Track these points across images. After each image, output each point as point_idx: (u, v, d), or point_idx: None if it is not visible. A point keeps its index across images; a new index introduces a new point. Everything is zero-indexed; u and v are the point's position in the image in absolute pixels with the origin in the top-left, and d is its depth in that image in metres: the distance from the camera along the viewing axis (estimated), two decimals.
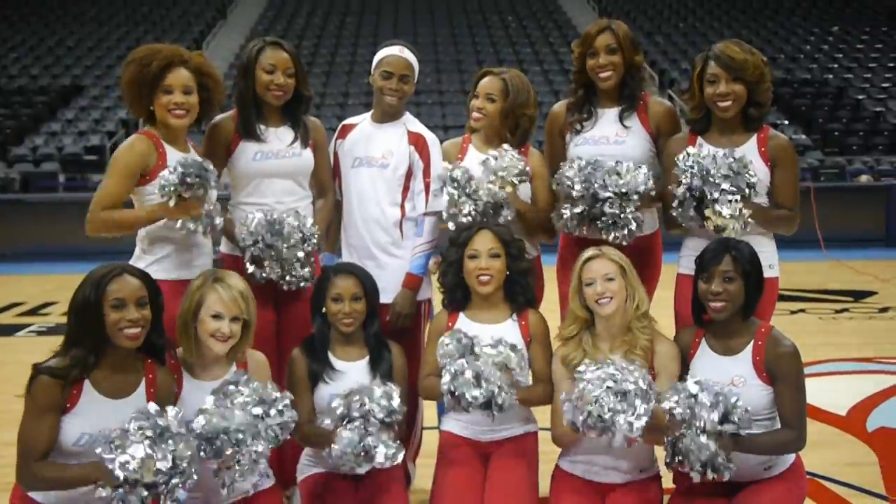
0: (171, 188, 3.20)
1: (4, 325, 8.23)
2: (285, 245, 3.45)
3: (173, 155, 3.36)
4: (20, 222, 12.49)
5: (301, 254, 3.50)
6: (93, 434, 2.73)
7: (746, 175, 3.24)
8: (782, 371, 3.10)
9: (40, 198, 13.39)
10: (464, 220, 3.51)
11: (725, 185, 3.22)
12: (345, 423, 3.10)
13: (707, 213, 3.26)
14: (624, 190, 3.41)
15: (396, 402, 3.14)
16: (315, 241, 3.56)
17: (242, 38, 21.88)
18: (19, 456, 2.75)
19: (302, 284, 3.55)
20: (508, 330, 3.41)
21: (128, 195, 3.34)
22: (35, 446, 2.72)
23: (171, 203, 3.22)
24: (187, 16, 24.38)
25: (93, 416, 2.73)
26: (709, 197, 3.24)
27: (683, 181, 3.28)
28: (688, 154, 3.31)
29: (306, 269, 3.54)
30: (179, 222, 3.25)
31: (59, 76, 19.78)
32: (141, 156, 3.32)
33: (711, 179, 3.22)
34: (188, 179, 3.19)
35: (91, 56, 20.95)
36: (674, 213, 3.38)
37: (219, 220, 3.36)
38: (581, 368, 3.03)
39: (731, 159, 3.25)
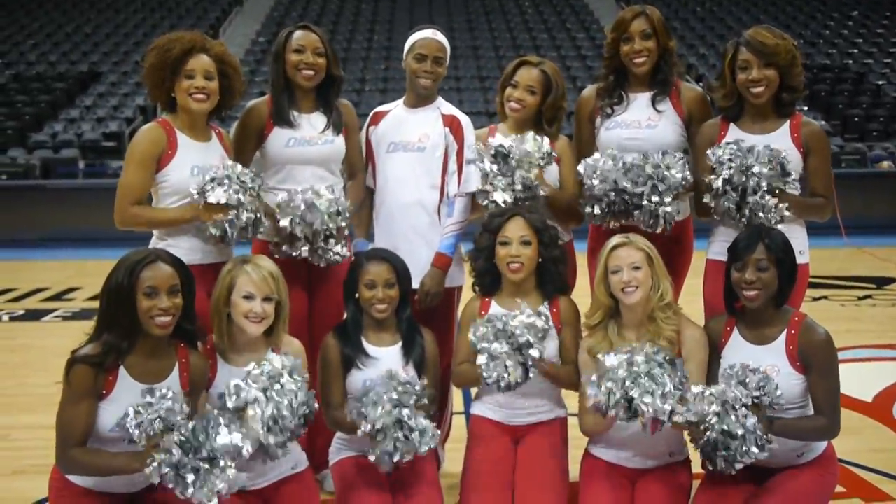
0: (198, 192, 3.30)
1: (31, 310, 8.31)
2: (319, 218, 3.47)
3: (186, 144, 3.41)
4: (41, 208, 12.58)
5: (334, 227, 3.52)
6: (124, 421, 2.76)
7: (786, 170, 3.26)
8: (816, 359, 3.10)
9: (60, 184, 13.43)
10: (498, 197, 3.52)
11: (765, 184, 3.24)
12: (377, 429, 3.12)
13: (745, 208, 3.27)
14: (659, 186, 3.41)
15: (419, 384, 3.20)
16: (348, 215, 3.59)
17: (259, 25, 21.90)
18: (58, 441, 2.79)
19: (336, 258, 3.57)
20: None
21: (150, 183, 3.39)
22: (73, 432, 2.76)
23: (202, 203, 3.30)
24: (203, 2, 24.36)
25: (128, 403, 2.76)
26: (750, 192, 3.25)
27: (722, 174, 3.28)
28: (726, 145, 3.32)
29: (340, 245, 3.57)
30: (208, 228, 3.31)
31: (76, 63, 19.81)
32: (153, 143, 3.37)
33: (752, 174, 3.23)
34: (220, 194, 3.27)
35: (108, 42, 20.97)
36: (710, 204, 3.38)
37: (246, 217, 3.36)
38: (606, 353, 3.06)
39: (770, 153, 3.25)
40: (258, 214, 3.38)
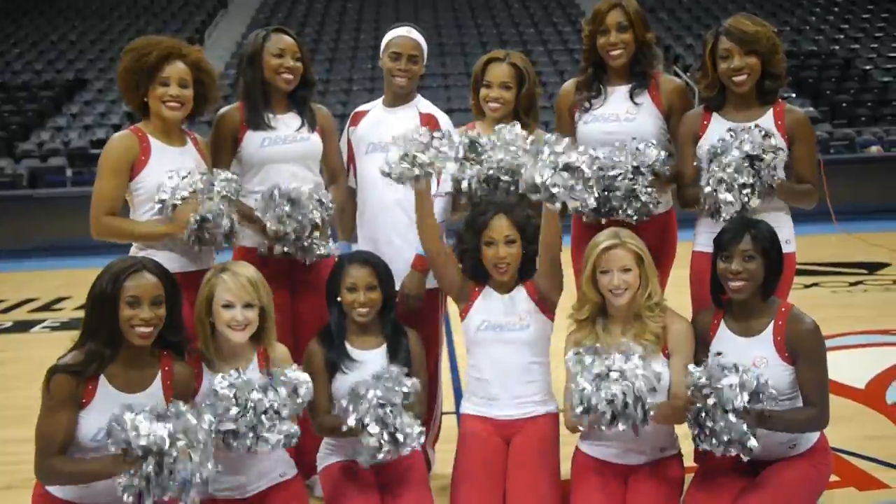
0: (160, 203, 3.27)
1: (19, 321, 8.25)
2: (302, 211, 3.45)
3: (160, 149, 3.37)
4: (30, 218, 12.51)
5: (318, 218, 3.49)
6: (105, 432, 2.72)
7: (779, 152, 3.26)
8: (804, 349, 3.08)
9: (49, 193, 13.33)
10: (467, 183, 3.46)
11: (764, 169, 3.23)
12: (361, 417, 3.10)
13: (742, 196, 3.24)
14: (634, 164, 3.39)
15: (408, 383, 3.16)
16: (332, 207, 3.56)
17: (244, 27, 21.78)
18: (37, 451, 2.76)
19: (323, 252, 3.55)
20: (521, 298, 3.45)
21: (123, 192, 3.35)
22: (52, 441, 2.73)
23: (168, 215, 3.26)
24: (189, 6, 24.27)
25: (108, 412, 2.72)
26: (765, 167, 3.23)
27: (724, 166, 3.23)
28: (733, 133, 3.29)
29: (326, 239, 3.55)
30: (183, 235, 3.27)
31: (62, 71, 19.72)
32: (125, 150, 3.34)
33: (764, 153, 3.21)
34: (177, 194, 3.23)
35: (94, 49, 20.87)
36: (708, 192, 3.31)
37: (225, 222, 3.31)
38: (577, 363, 3.04)
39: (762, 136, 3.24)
40: (228, 213, 3.31)
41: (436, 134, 3.29)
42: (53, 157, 15.17)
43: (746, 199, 3.21)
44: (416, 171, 3.23)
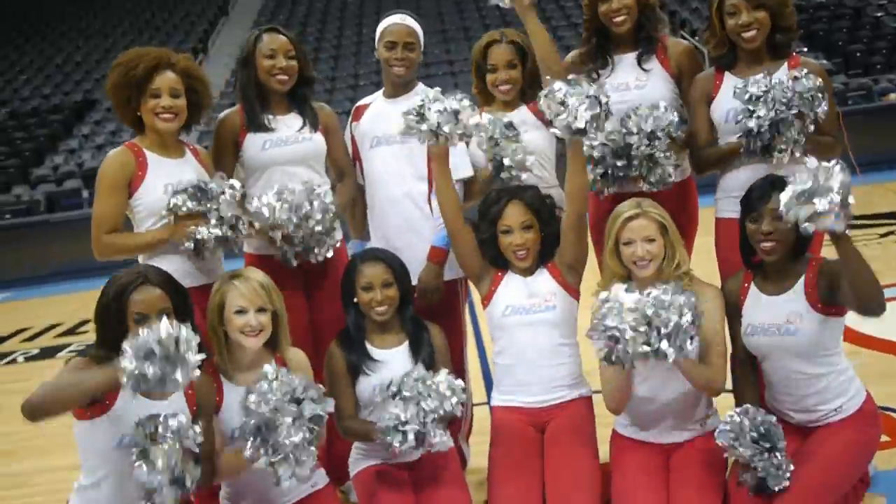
0: (167, 209, 3.20)
1: (45, 347, 8.24)
2: (303, 211, 3.35)
3: (157, 162, 3.29)
4: (49, 242, 12.53)
5: (319, 215, 3.39)
6: (130, 437, 2.62)
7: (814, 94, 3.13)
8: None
9: (66, 216, 13.34)
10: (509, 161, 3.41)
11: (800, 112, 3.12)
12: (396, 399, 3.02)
13: (781, 144, 3.14)
14: (650, 129, 3.29)
15: (457, 398, 3.06)
16: (332, 200, 3.46)
17: (247, 32, 21.73)
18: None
19: (331, 243, 3.47)
20: (544, 279, 3.35)
21: (123, 210, 3.27)
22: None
23: (171, 221, 3.19)
24: (190, 16, 24.30)
25: (132, 416, 2.64)
26: (786, 127, 3.12)
27: (758, 113, 3.12)
28: (756, 82, 3.16)
29: (331, 235, 3.46)
30: (182, 241, 3.19)
31: (70, 93, 19.80)
32: (121, 167, 3.26)
33: (787, 108, 3.09)
34: (179, 201, 3.17)
35: (100, 69, 20.88)
36: (742, 148, 3.23)
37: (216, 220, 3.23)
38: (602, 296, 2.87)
39: (798, 81, 3.12)
40: (235, 219, 3.24)
41: (464, 105, 3.18)
42: (69, 180, 15.20)
43: (798, 133, 3.12)
44: (424, 126, 3.14)
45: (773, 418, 2.91)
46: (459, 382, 3.11)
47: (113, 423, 2.67)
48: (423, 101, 3.16)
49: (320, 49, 19.84)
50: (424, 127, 3.15)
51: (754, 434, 2.85)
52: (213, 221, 3.18)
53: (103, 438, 2.67)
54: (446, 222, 3.42)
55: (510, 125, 3.42)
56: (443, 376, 3.09)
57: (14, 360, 7.91)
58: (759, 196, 3.01)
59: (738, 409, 2.93)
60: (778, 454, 2.84)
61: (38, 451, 4.86)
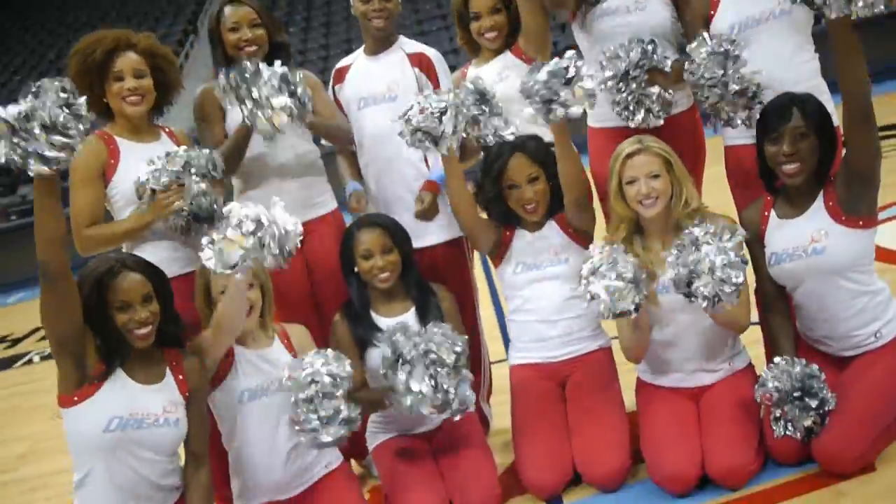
0: (140, 186, 3.01)
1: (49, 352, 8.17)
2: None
3: (130, 148, 3.11)
4: None
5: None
6: (123, 417, 2.58)
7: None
8: None
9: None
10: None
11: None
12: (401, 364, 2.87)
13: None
14: (623, 69, 3.07)
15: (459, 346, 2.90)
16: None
17: None
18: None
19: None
20: (553, 233, 3.24)
21: (102, 201, 3.11)
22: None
23: (145, 202, 3.00)
24: (172, 7, 24.00)
25: (121, 399, 2.59)
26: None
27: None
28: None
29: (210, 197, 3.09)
30: (170, 220, 3.01)
31: None
32: (93, 156, 3.08)
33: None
34: (156, 174, 2.97)
35: None
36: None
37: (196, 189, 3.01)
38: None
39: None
40: (212, 193, 3.03)
41: (433, 105, 3.02)
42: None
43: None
44: (419, 136, 3.03)
45: (815, 367, 2.76)
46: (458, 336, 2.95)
47: (98, 407, 2.58)
48: (422, 107, 3.02)
49: (290, 23, 19.48)
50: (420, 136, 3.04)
51: (798, 393, 2.70)
52: (194, 189, 2.99)
53: (87, 425, 2.58)
54: (461, 221, 3.29)
55: (482, 97, 3.19)
56: (437, 327, 2.93)
57: (30, 361, 7.84)
58: (779, 115, 2.82)
59: (774, 366, 2.78)
60: (825, 405, 2.71)
61: (55, 452, 4.78)
